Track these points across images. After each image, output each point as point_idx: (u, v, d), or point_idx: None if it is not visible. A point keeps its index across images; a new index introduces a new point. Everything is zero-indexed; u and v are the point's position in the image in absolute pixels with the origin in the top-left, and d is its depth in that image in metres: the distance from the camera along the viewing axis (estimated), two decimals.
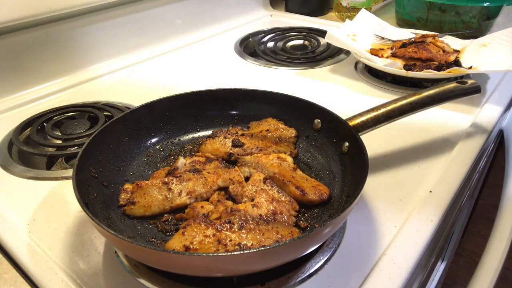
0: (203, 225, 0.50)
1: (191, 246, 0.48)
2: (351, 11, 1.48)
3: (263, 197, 0.57)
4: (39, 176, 0.69)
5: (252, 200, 0.57)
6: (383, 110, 0.66)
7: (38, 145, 0.79)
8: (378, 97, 0.96)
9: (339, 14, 1.54)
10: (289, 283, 0.50)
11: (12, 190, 0.67)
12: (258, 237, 0.49)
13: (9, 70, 0.92)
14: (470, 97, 0.94)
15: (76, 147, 0.77)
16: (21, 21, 0.89)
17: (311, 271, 0.52)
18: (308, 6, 1.56)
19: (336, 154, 0.67)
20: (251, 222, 0.51)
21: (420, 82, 1.00)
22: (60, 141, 0.80)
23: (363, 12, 1.22)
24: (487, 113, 0.88)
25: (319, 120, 0.71)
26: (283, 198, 0.58)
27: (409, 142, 0.78)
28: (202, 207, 0.57)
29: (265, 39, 1.30)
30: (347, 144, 0.64)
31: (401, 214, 0.61)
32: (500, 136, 0.97)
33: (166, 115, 0.74)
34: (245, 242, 0.49)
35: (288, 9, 1.60)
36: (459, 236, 1.55)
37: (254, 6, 1.51)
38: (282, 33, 1.35)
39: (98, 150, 0.62)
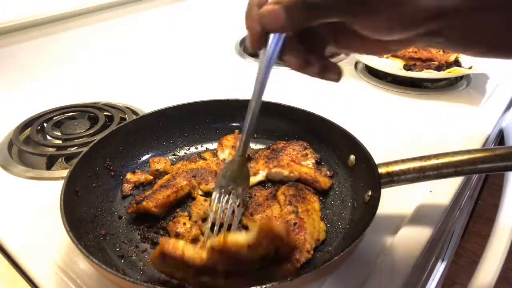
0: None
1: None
2: None
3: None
4: (39, 176, 0.69)
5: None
6: (433, 162, 0.53)
7: (38, 145, 0.79)
8: (378, 97, 0.96)
9: None
10: None
11: (12, 190, 0.67)
12: None
13: (9, 70, 0.92)
14: (470, 97, 0.95)
15: (76, 147, 0.77)
16: (21, 21, 0.89)
17: None
18: None
19: (356, 200, 0.59)
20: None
21: (420, 82, 1.00)
22: (60, 141, 0.80)
23: None
24: (487, 113, 0.88)
25: (354, 157, 0.63)
26: None
27: (409, 141, 0.78)
28: (184, 224, 0.55)
29: None
30: (370, 193, 0.55)
31: (401, 214, 0.61)
32: (500, 136, 0.96)
33: (160, 128, 0.72)
34: None
35: None
36: (459, 236, 1.55)
37: None
38: None
39: (89, 165, 0.61)
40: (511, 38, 0.34)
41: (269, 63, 0.40)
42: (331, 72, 0.41)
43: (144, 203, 0.57)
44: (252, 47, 0.39)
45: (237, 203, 0.51)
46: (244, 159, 0.48)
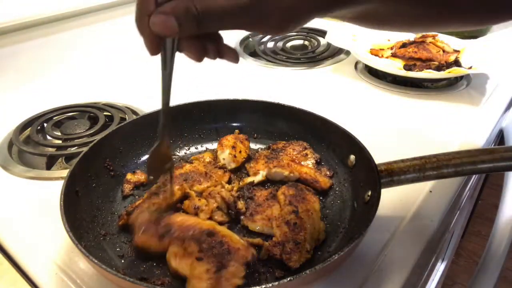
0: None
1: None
2: None
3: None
4: (39, 176, 0.69)
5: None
6: (433, 162, 0.53)
7: (38, 145, 0.79)
8: (378, 97, 0.96)
9: None
10: None
11: (12, 190, 0.67)
12: None
13: (9, 70, 0.92)
14: (470, 97, 0.95)
15: (76, 147, 0.77)
16: (21, 21, 0.89)
17: None
18: None
19: (356, 200, 0.59)
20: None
21: (420, 82, 1.00)
22: (60, 141, 0.80)
23: None
24: (487, 113, 0.89)
25: (354, 157, 0.63)
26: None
27: (409, 142, 0.78)
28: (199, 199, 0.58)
29: (265, 39, 1.30)
30: (370, 193, 0.55)
31: (401, 214, 0.61)
32: (500, 136, 0.97)
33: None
34: None
35: None
36: (459, 236, 1.55)
37: None
38: None
39: (89, 165, 0.61)
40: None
41: (170, 60, 0.42)
42: (227, 56, 0.44)
43: (133, 215, 0.56)
44: (149, 51, 0.40)
45: (170, 175, 0.56)
46: (163, 141, 0.51)
